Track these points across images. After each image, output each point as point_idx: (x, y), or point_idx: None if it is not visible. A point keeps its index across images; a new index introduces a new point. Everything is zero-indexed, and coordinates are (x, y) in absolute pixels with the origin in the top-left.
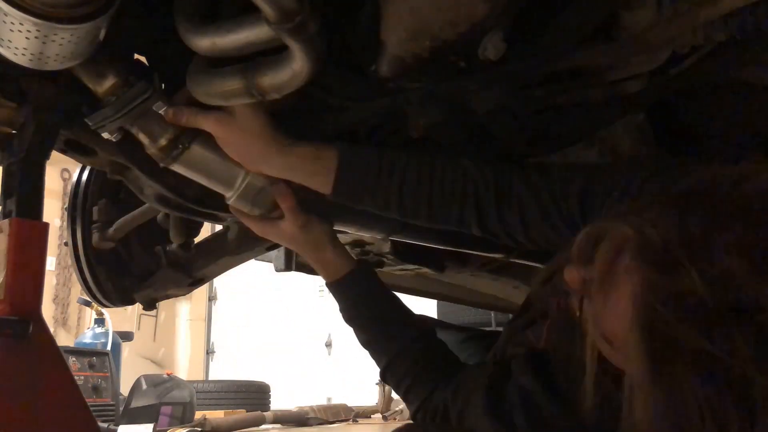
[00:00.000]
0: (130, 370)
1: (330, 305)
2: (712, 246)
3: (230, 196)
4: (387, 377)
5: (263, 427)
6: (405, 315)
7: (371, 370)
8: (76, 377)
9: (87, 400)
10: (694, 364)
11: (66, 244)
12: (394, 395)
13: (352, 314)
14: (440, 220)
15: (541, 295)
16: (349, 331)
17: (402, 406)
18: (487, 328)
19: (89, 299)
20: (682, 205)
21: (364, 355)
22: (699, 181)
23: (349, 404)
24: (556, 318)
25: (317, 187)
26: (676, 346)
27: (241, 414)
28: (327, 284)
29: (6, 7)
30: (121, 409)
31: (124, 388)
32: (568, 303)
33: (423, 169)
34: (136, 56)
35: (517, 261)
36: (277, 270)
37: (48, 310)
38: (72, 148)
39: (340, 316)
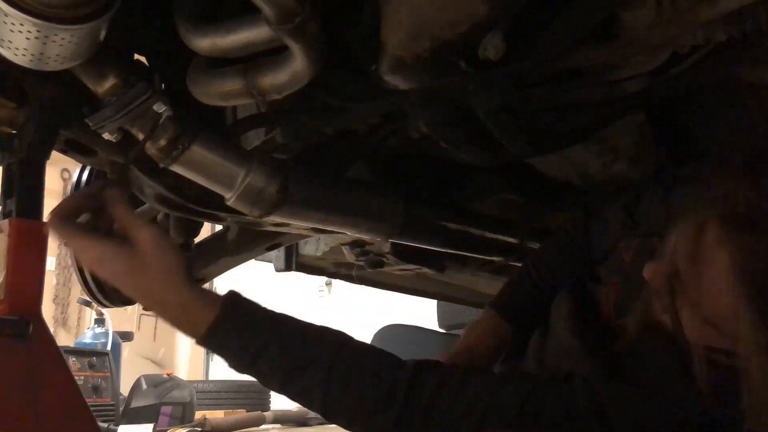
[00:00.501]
0: (130, 370)
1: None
2: None
3: (230, 197)
4: (328, 412)
5: (263, 427)
6: (304, 328)
7: None
8: (76, 377)
9: (87, 400)
10: None
11: (66, 244)
12: None
13: (258, 350)
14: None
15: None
16: (350, 331)
17: None
18: None
19: (89, 299)
20: (749, 171)
21: None
22: (751, 151)
23: None
24: (635, 328)
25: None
26: None
27: (241, 414)
28: (206, 334)
29: (6, 8)
30: (121, 409)
31: (124, 388)
32: (647, 309)
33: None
34: (136, 56)
35: (516, 264)
36: (277, 270)
37: (48, 310)
38: (72, 148)
39: (340, 316)
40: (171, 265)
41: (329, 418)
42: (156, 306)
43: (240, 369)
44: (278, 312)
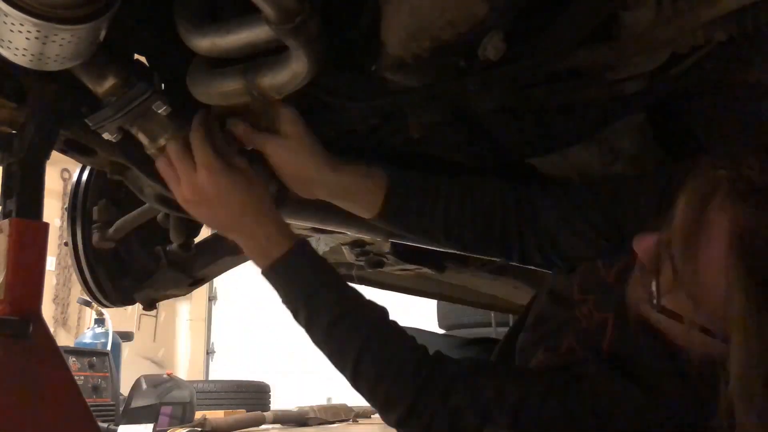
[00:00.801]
0: (130, 370)
1: None
2: None
3: None
4: (357, 372)
5: (263, 427)
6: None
7: None
8: (76, 377)
9: (87, 400)
10: None
11: (66, 244)
12: None
13: (318, 286)
14: (483, 248)
15: (556, 310)
16: None
17: None
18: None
19: (89, 299)
20: (759, 150)
21: None
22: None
23: (349, 404)
24: (619, 319)
25: (363, 208)
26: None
27: (241, 414)
28: (277, 259)
29: (6, 8)
30: (121, 409)
31: (124, 388)
32: (631, 299)
33: (465, 193)
34: (136, 56)
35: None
36: None
37: (48, 310)
38: (72, 148)
39: None
40: (262, 195)
41: (357, 376)
42: (242, 227)
43: (294, 304)
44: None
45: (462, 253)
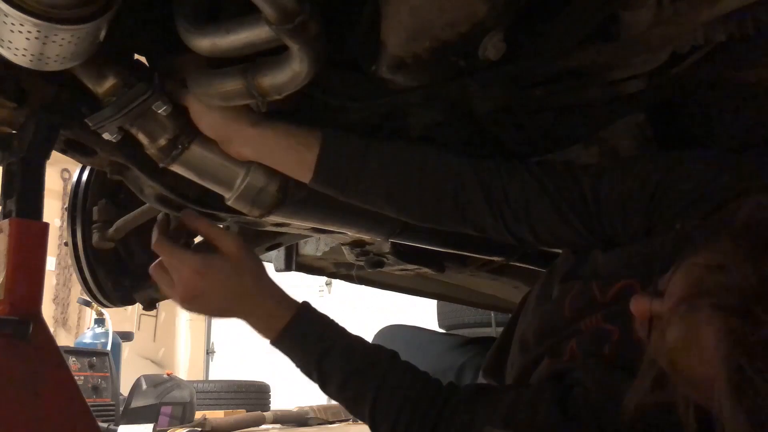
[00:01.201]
0: (130, 370)
1: (330, 305)
2: None
3: (230, 197)
4: (376, 417)
5: (263, 427)
6: (363, 340)
7: None
8: (76, 377)
9: (87, 400)
10: None
11: (66, 244)
12: None
13: (324, 351)
14: (432, 217)
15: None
16: (350, 331)
17: None
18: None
19: (89, 299)
20: (753, 246)
21: None
22: (757, 217)
23: None
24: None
25: (297, 171)
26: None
27: (241, 414)
28: (281, 332)
29: (6, 8)
30: (121, 409)
31: (124, 388)
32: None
33: (412, 158)
34: (136, 56)
35: (516, 264)
36: (277, 270)
37: (48, 310)
38: (72, 148)
39: (340, 316)
40: (259, 269)
41: (375, 423)
42: (241, 308)
43: (306, 369)
44: (340, 325)
45: (416, 223)
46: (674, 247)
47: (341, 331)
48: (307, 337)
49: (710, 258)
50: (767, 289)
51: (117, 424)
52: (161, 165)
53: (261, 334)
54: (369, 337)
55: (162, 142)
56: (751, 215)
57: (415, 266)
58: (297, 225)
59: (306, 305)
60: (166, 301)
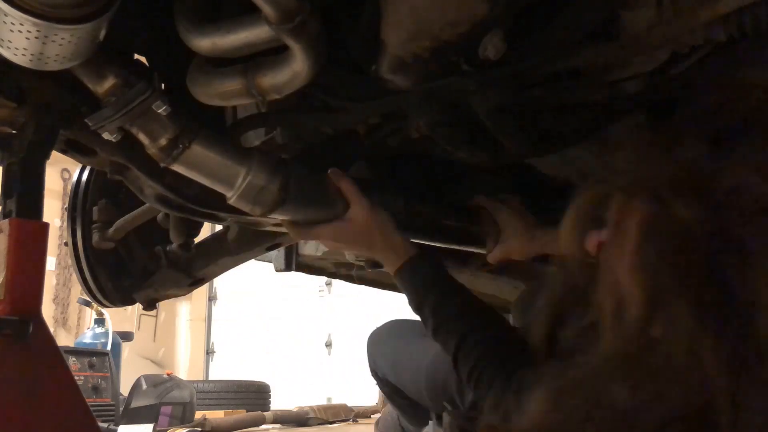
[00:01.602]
0: (130, 370)
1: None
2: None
3: (231, 196)
4: (459, 357)
5: (263, 427)
6: (475, 297)
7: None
8: (76, 377)
9: (87, 400)
10: (695, 299)
11: (66, 244)
12: None
13: (427, 293)
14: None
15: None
16: (350, 331)
17: None
18: None
19: (89, 299)
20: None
21: (364, 355)
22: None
23: (349, 404)
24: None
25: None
26: (675, 281)
27: (241, 414)
28: (398, 269)
29: (6, 8)
30: (121, 409)
31: (124, 388)
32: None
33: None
34: (136, 56)
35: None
36: (277, 270)
37: (48, 310)
38: (72, 148)
39: (340, 316)
40: (385, 220)
41: (456, 364)
42: (373, 248)
43: (412, 307)
44: (447, 274)
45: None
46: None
47: (443, 278)
48: (414, 281)
49: (627, 163)
50: (678, 176)
51: (117, 424)
52: (162, 165)
53: (387, 270)
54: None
55: (163, 141)
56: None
57: None
58: None
59: (420, 252)
60: (166, 301)
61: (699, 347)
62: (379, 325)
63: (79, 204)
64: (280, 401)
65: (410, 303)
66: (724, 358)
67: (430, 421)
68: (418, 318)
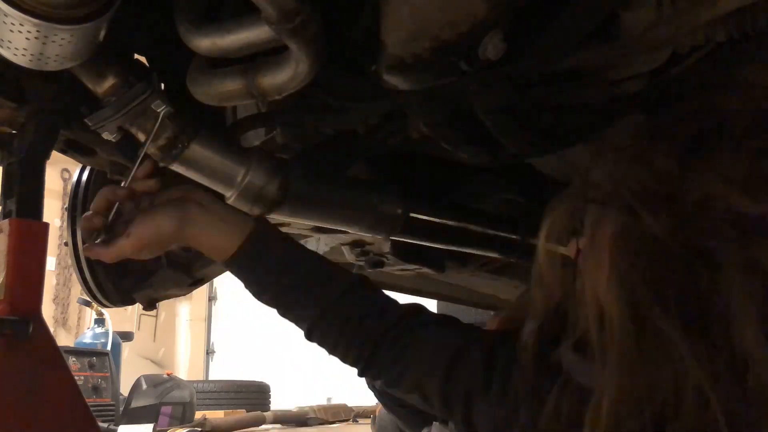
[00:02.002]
0: (130, 370)
1: None
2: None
3: (230, 195)
4: (314, 339)
5: (263, 427)
6: (328, 265)
7: None
8: (76, 377)
9: (87, 400)
10: (675, 308)
11: (66, 244)
12: None
13: (270, 281)
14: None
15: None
16: None
17: None
18: None
19: (89, 299)
20: (648, 145)
21: None
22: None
23: (349, 404)
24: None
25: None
26: (651, 294)
27: (241, 414)
28: (229, 259)
29: (6, 8)
30: (121, 409)
31: (124, 388)
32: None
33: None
34: (136, 56)
35: (518, 261)
36: None
37: (48, 310)
38: (72, 148)
39: None
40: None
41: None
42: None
43: (254, 296)
44: (295, 248)
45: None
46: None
47: (289, 258)
48: (254, 266)
49: (601, 174)
50: (649, 186)
51: (117, 424)
52: (161, 164)
53: (218, 260)
54: None
55: (162, 141)
56: (628, 128)
57: (416, 266)
58: (297, 224)
59: (259, 227)
60: (166, 301)
61: (684, 364)
62: None
63: (79, 204)
64: (280, 401)
65: (253, 287)
66: (710, 371)
67: (434, 422)
68: None
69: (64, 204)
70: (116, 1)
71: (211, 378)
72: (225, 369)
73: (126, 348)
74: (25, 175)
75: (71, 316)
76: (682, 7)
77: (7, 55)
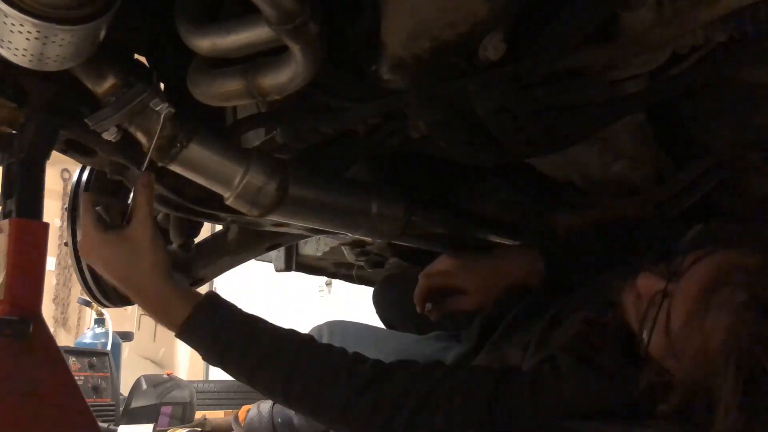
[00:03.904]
0: (130, 370)
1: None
2: None
3: (229, 196)
4: (291, 400)
5: None
6: (278, 328)
7: None
8: (76, 377)
9: (87, 400)
10: None
11: (66, 244)
12: None
13: (228, 344)
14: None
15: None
16: None
17: None
18: None
19: (89, 299)
20: None
21: None
22: None
23: None
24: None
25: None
26: (761, 381)
27: None
28: (183, 325)
29: (6, 8)
30: (121, 409)
31: (124, 388)
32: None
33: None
34: (136, 56)
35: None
36: (277, 270)
37: (48, 310)
38: (72, 148)
39: (340, 316)
40: (159, 261)
41: (289, 396)
42: (139, 296)
43: (212, 363)
44: (250, 314)
45: None
46: (692, 241)
47: (246, 322)
48: (209, 330)
49: (735, 258)
50: None
51: (117, 424)
52: (160, 164)
53: (167, 327)
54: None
55: (161, 140)
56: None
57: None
58: (297, 225)
59: (210, 295)
60: None
61: None
62: (379, 324)
63: (79, 204)
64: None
65: (207, 359)
66: None
67: None
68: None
69: (64, 204)
70: (116, 2)
71: (211, 378)
72: None
73: (126, 348)
74: (25, 175)
75: (71, 316)
76: (682, 7)
77: (7, 55)
